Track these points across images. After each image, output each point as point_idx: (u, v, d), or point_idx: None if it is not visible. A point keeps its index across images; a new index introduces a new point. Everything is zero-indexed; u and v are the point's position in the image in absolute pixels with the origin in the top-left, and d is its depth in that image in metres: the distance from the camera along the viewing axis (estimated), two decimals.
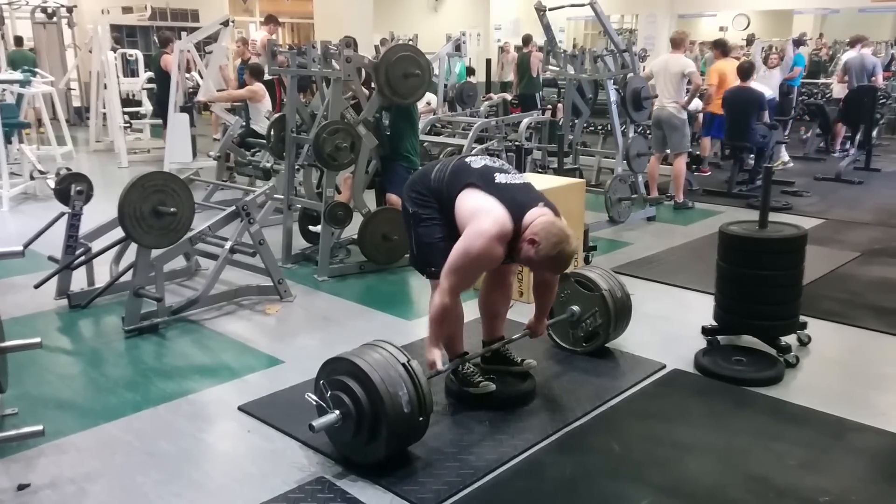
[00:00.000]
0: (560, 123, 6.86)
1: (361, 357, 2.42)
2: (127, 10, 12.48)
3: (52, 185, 4.46)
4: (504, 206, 2.58)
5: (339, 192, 5.13)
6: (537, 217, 2.58)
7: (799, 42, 10.85)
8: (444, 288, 2.60)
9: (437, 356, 2.68)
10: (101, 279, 4.17)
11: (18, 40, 11.37)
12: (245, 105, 7.29)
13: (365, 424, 2.37)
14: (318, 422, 2.39)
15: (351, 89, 4.70)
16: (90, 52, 10.24)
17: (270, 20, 8.98)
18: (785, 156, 8.30)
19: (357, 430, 2.40)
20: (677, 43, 6.47)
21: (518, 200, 2.62)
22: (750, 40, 15.21)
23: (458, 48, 7.75)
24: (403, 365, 2.41)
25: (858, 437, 2.71)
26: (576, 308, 3.32)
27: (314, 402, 2.49)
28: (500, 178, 2.69)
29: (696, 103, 7.09)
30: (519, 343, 3.09)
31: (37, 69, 9.74)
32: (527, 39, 10.62)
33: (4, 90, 7.29)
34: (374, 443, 2.39)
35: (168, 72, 8.04)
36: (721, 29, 18.59)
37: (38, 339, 2.51)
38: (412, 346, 3.46)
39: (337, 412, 2.40)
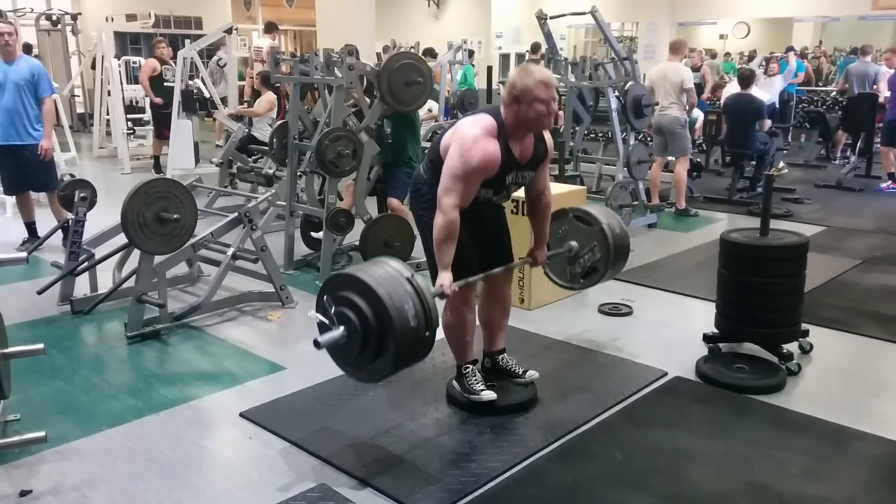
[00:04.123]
0: (561, 131, 6.88)
1: (366, 272, 2.38)
2: (131, 17, 12.54)
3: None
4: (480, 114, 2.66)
5: (341, 199, 5.14)
6: None
7: (800, 53, 10.98)
8: (445, 206, 2.55)
9: (447, 279, 2.59)
10: (104, 285, 4.18)
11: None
12: None
13: (371, 340, 2.30)
14: (324, 337, 2.32)
15: (353, 97, 4.72)
16: (94, 58, 10.28)
17: (271, 28, 9.02)
18: (779, 162, 8.32)
19: (363, 347, 2.33)
20: (675, 49, 6.49)
21: (490, 108, 2.70)
22: (751, 56, 15.32)
23: (470, 55, 7.77)
24: (408, 279, 2.35)
25: (860, 445, 2.70)
26: (574, 243, 3.24)
27: (317, 320, 2.41)
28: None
29: (697, 112, 7.12)
30: (520, 347, 3.09)
31: None
32: (535, 48, 10.66)
33: None
34: (381, 359, 2.33)
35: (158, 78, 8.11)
36: (721, 37, 18.65)
37: (40, 346, 2.52)
38: None
39: (342, 328, 2.33)
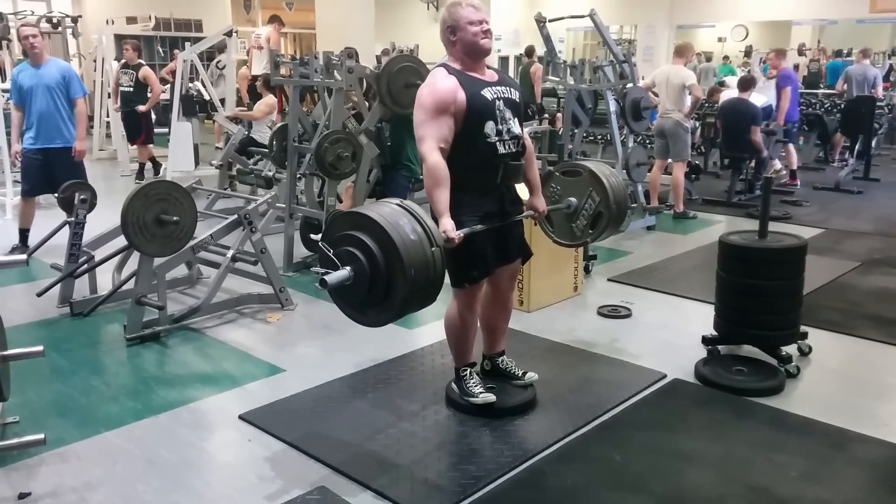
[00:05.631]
0: (560, 133, 6.89)
1: (360, 209, 2.40)
2: (131, 20, 12.56)
3: (56, 193, 4.50)
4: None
5: (341, 201, 5.15)
6: None
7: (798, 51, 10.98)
8: (424, 151, 2.56)
9: (449, 225, 2.50)
10: (104, 287, 4.18)
11: None
12: None
13: (378, 271, 2.25)
14: (331, 277, 2.26)
15: (352, 100, 4.73)
16: (94, 61, 10.29)
17: (275, 19, 9.02)
18: (777, 164, 8.34)
19: (372, 280, 2.27)
20: (681, 52, 6.50)
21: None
22: (748, 52, 15.30)
23: None
24: (397, 204, 2.35)
25: (860, 448, 2.71)
26: (571, 199, 3.18)
27: (319, 274, 2.34)
28: None
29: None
30: (519, 349, 3.10)
31: None
32: (530, 51, 10.68)
33: (9, 99, 7.31)
34: (395, 289, 2.28)
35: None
36: (720, 40, 18.67)
37: (40, 348, 2.52)
38: (412, 354, 3.48)
39: (348, 268, 2.28)
